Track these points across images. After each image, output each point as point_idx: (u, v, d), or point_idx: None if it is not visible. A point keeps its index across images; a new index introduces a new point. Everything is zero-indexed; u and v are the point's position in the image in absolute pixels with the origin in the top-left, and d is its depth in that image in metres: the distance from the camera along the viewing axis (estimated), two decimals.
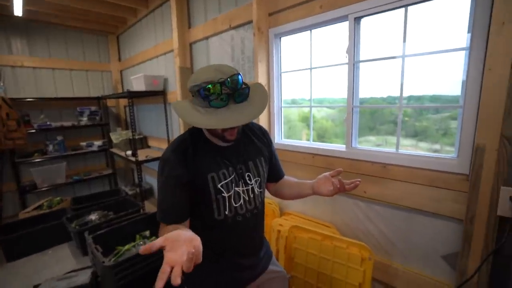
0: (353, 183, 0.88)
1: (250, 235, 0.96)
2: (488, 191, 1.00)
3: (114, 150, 3.46)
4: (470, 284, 1.06)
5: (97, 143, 3.57)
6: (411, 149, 1.37)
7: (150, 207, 3.27)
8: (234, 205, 0.89)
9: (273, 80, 1.82)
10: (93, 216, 2.57)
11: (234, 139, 0.85)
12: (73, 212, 2.67)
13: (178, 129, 2.74)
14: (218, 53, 2.21)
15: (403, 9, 1.23)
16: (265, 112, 1.86)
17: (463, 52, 1.11)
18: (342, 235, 1.53)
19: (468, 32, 1.08)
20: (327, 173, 0.93)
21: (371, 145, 1.50)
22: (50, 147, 3.26)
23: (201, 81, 0.75)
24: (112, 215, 2.67)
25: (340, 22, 1.46)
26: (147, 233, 2.20)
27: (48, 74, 3.41)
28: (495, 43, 0.94)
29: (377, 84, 1.44)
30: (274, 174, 1.08)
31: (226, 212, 0.88)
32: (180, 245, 0.57)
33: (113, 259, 1.82)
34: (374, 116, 1.53)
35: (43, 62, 3.34)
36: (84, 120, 3.52)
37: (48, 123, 3.21)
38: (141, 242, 2.03)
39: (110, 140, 3.57)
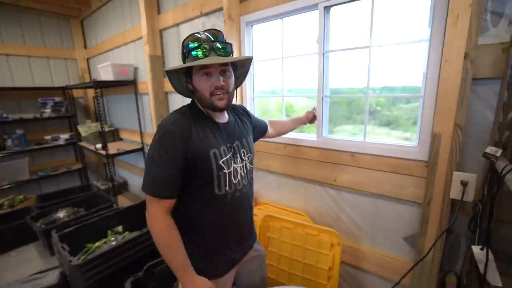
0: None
1: (246, 210, 0.99)
2: (443, 176, 1.07)
3: (83, 143, 3.28)
4: (426, 262, 1.14)
5: (64, 136, 3.35)
6: (385, 137, 1.42)
7: (123, 201, 3.16)
8: (233, 181, 0.90)
9: None
10: (61, 214, 2.43)
11: (224, 106, 0.86)
12: (39, 210, 2.51)
13: (150, 121, 2.64)
14: None
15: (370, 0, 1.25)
16: (238, 102, 1.83)
17: (426, 44, 1.15)
18: (315, 223, 1.58)
19: (429, 26, 1.12)
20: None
21: (348, 134, 1.54)
22: (9, 142, 3.02)
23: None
24: (82, 212, 2.55)
25: (310, 11, 1.45)
26: (120, 228, 2.14)
27: (1, 60, 3.10)
28: (450, 35, 0.98)
29: (351, 74, 1.46)
30: (262, 129, 1.22)
31: (227, 188, 0.88)
32: None
33: (82, 257, 1.75)
34: (350, 105, 1.56)
35: None
36: (48, 112, 3.27)
37: (4, 115, 2.94)
38: (113, 238, 1.97)
39: (78, 133, 3.36)
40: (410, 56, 1.26)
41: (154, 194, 0.79)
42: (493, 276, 0.82)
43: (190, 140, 0.80)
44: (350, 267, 1.53)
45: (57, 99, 3.36)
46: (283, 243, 1.50)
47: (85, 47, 3.69)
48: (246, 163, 0.96)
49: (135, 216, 2.28)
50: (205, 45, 0.78)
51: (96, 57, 3.51)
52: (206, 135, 0.85)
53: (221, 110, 0.87)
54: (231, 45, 0.84)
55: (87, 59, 3.73)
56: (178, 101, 2.39)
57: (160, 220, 0.80)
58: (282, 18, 1.58)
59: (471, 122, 1.03)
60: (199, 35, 0.80)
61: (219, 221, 0.91)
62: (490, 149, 0.89)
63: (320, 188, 1.56)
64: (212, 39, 0.81)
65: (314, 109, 1.48)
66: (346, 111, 1.57)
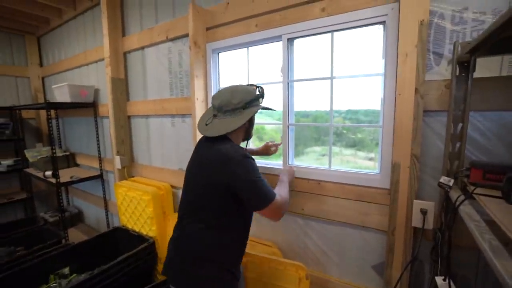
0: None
1: None
2: (404, 204, 1.09)
3: (30, 170, 2.92)
4: None
5: (6, 162, 2.97)
6: (352, 158, 1.44)
7: (76, 235, 2.81)
8: None
9: (211, 96, 1.75)
10: None
11: None
12: None
13: (110, 145, 2.44)
14: (155, 65, 2.07)
15: (329, 34, 1.31)
16: None
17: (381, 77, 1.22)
18: (283, 253, 1.52)
19: (383, 58, 1.20)
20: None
21: (317, 155, 1.54)
22: None
23: (257, 89, 1.12)
24: (22, 251, 2.19)
25: (275, 42, 1.49)
26: (66, 270, 1.85)
27: None
28: (402, 71, 1.05)
29: (317, 98, 1.49)
30: None
31: None
32: None
33: None
34: (318, 128, 1.58)
35: None
36: None
37: None
38: (55, 284, 1.68)
39: (25, 159, 3.00)
40: (370, 83, 1.33)
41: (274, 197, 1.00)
42: None
43: None
44: None
45: (1, 120, 3.00)
46: (249, 280, 1.40)
47: (41, 65, 3.43)
48: None
49: (88, 254, 2.00)
50: None
51: (54, 76, 3.26)
52: None
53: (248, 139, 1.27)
54: None
55: (43, 78, 3.45)
56: (141, 125, 2.26)
57: (285, 201, 1.08)
58: (247, 47, 1.61)
59: (425, 152, 1.08)
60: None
61: (246, 237, 1.12)
62: (443, 179, 0.93)
63: (288, 218, 1.51)
64: None
65: (272, 142, 1.51)
66: (314, 133, 1.60)
